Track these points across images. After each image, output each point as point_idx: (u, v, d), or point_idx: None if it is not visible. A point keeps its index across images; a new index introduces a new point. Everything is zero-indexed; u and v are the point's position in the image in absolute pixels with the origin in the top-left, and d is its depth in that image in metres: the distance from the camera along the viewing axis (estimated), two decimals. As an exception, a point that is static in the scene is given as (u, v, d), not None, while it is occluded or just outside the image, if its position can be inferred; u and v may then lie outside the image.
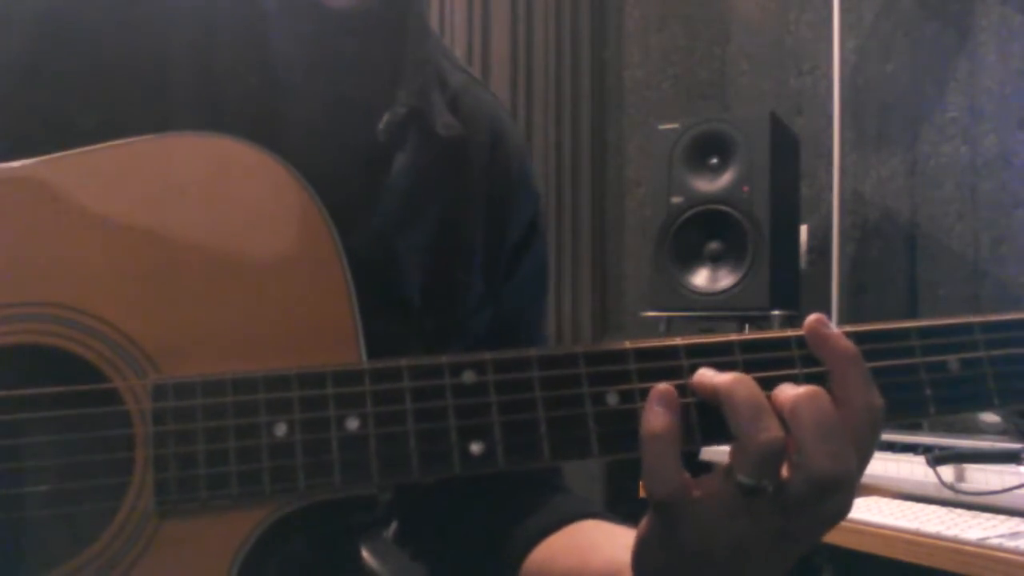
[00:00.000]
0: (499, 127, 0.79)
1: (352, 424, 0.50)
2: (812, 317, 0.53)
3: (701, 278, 2.19)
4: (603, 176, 3.02)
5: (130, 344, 0.52)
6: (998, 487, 1.29)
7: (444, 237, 0.73)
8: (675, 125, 2.25)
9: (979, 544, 1.16)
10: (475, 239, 0.75)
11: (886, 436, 1.59)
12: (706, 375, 0.51)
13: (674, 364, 0.52)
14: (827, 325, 0.52)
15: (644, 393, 0.51)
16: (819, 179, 2.46)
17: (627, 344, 0.52)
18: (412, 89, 0.71)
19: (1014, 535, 1.17)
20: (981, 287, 2.11)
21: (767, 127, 2.14)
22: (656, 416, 0.50)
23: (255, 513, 0.50)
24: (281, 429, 0.50)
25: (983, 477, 1.32)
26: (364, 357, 0.53)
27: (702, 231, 2.18)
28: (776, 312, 2.08)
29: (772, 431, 0.48)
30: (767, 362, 0.52)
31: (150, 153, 0.56)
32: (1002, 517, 1.27)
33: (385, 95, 0.70)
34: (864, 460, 0.51)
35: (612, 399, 0.51)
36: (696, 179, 2.20)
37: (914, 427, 1.79)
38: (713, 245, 2.19)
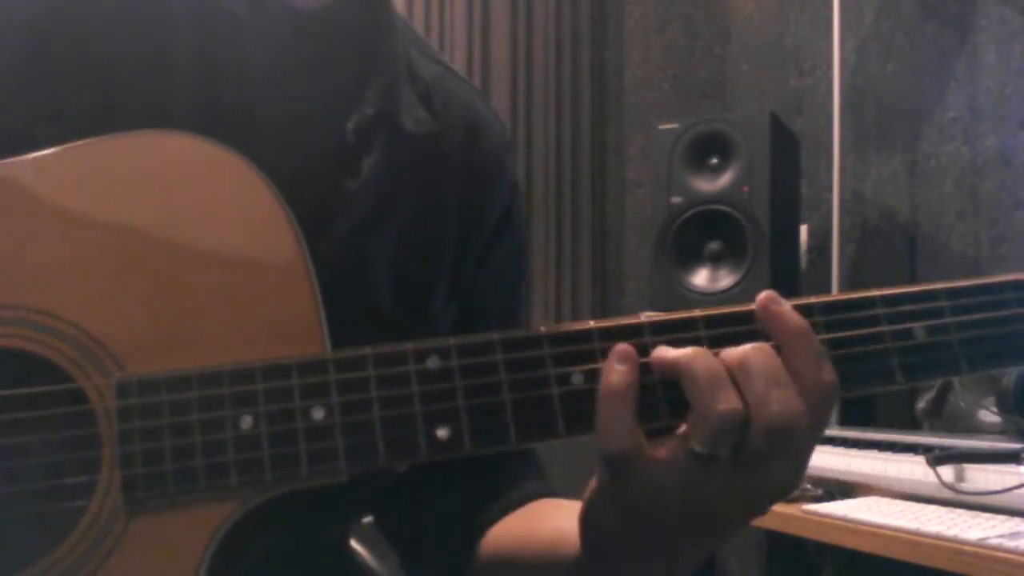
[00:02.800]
0: (475, 118, 0.79)
1: (317, 414, 0.50)
2: (763, 294, 0.53)
3: (701, 278, 2.19)
4: (603, 176, 3.01)
5: (95, 344, 0.52)
6: (998, 487, 1.29)
7: (414, 237, 0.73)
8: (675, 125, 2.25)
9: (979, 544, 1.15)
10: (446, 236, 0.75)
11: (886, 436, 1.59)
12: (663, 350, 0.52)
13: (638, 342, 0.52)
14: (777, 301, 0.52)
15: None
16: (819, 179, 2.46)
17: (591, 323, 0.52)
18: (379, 89, 0.70)
19: (1014, 535, 1.17)
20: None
21: (767, 127, 2.14)
22: (614, 373, 0.50)
23: (224, 507, 0.50)
24: (247, 422, 0.50)
25: (983, 477, 1.32)
26: (329, 350, 0.53)
27: (702, 231, 2.18)
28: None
29: (730, 402, 0.49)
30: (731, 337, 0.52)
31: (112, 152, 0.57)
32: (1002, 517, 1.27)
33: (354, 96, 0.70)
34: (814, 432, 0.51)
35: (577, 379, 0.51)
36: (696, 179, 2.20)
37: (914, 427, 1.79)
38: (713, 245, 2.19)
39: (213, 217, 0.56)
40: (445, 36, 2.94)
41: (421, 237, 0.73)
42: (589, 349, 0.51)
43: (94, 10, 0.66)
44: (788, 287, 2.23)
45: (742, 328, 0.52)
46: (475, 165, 0.77)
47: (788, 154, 2.31)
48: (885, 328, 0.52)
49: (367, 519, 0.89)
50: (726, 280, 2.15)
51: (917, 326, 0.53)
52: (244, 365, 0.51)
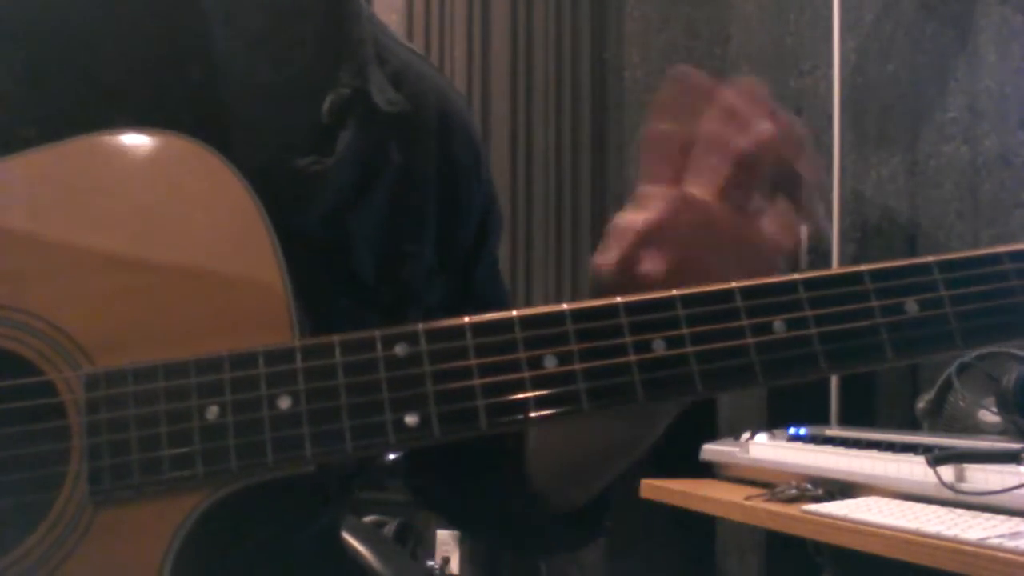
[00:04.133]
0: (446, 106, 0.80)
1: (284, 403, 0.50)
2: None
3: (701, 278, 2.19)
4: (603, 176, 3.01)
5: (65, 338, 0.53)
6: (998, 487, 1.29)
7: (395, 211, 0.74)
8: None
9: (979, 544, 1.15)
10: (427, 212, 0.76)
11: (886, 436, 1.59)
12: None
13: (614, 323, 0.51)
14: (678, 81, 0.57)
15: (583, 354, 0.50)
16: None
17: (564, 306, 0.51)
18: (352, 69, 0.71)
19: (1014, 535, 1.17)
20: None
21: (767, 127, 2.13)
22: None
23: (191, 497, 0.50)
24: (213, 412, 0.50)
25: (983, 477, 1.32)
26: (298, 338, 0.53)
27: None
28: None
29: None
30: (709, 316, 0.51)
31: (81, 151, 0.57)
32: (1002, 517, 1.27)
33: (327, 77, 0.71)
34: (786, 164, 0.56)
35: (550, 362, 0.50)
36: (696, 179, 2.19)
37: (914, 427, 1.80)
38: (713, 245, 2.19)
39: (182, 210, 0.56)
40: (445, 36, 2.94)
41: (401, 211, 0.74)
42: (562, 332, 0.50)
43: (59, 5, 0.67)
44: (788, 287, 2.23)
45: (719, 307, 0.52)
46: (450, 151, 0.78)
47: (788, 154, 2.31)
48: (874, 303, 0.51)
49: (370, 518, 0.89)
50: (726, 280, 2.15)
51: (909, 300, 0.51)
52: (211, 355, 0.51)
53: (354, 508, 1.40)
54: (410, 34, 2.92)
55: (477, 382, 0.49)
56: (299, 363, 0.50)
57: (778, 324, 0.50)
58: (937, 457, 1.37)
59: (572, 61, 2.97)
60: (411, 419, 0.49)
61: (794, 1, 2.63)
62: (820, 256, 2.43)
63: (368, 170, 0.72)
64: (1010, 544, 1.14)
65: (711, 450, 1.84)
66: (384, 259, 0.72)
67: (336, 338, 0.51)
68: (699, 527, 2.35)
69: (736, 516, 1.69)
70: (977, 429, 1.63)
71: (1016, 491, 1.26)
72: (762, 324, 0.50)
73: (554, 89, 2.94)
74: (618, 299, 0.51)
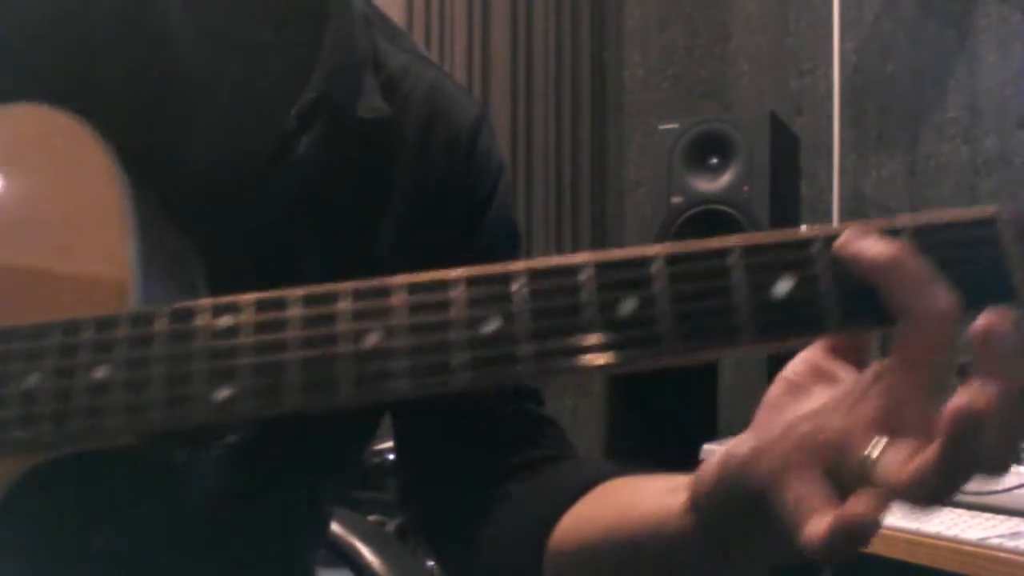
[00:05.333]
0: (438, 105, 0.77)
1: (101, 371, 0.49)
2: (847, 233, 0.44)
3: (701, 278, 2.19)
4: (603, 176, 3.01)
5: None
6: (998, 487, 1.29)
7: (359, 218, 0.72)
8: (675, 125, 2.25)
9: (979, 544, 1.15)
10: (390, 222, 0.74)
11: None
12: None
13: (446, 297, 0.46)
14: (856, 240, 0.44)
15: (405, 330, 0.46)
16: (819, 179, 2.46)
17: (399, 279, 0.47)
18: (323, 73, 0.71)
19: (1014, 535, 1.17)
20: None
21: (767, 127, 2.14)
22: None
23: (11, 462, 0.50)
24: (34, 378, 0.49)
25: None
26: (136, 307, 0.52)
27: (702, 231, 2.18)
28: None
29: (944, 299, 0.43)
30: (545, 294, 0.46)
31: None
32: (1002, 517, 1.27)
33: (301, 81, 0.70)
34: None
35: (372, 339, 0.46)
36: (696, 179, 2.20)
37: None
38: (713, 245, 2.19)
39: (43, 180, 0.57)
40: (445, 36, 2.94)
41: (363, 220, 0.73)
42: (387, 306, 0.47)
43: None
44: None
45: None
46: (435, 150, 0.76)
47: (788, 154, 2.31)
48: (740, 280, 0.45)
49: (371, 518, 0.88)
50: (726, 280, 2.15)
51: (781, 279, 0.45)
52: (42, 323, 0.51)
53: (354, 507, 1.39)
54: (410, 34, 2.92)
55: (294, 356, 0.46)
56: (123, 331, 0.49)
57: (630, 302, 0.45)
58: (937, 457, 1.37)
59: (572, 61, 2.97)
60: (223, 393, 0.47)
61: (794, 1, 2.63)
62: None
63: (328, 176, 0.71)
64: (1010, 544, 1.14)
65: (711, 450, 1.84)
66: (338, 271, 0.72)
67: (167, 307, 0.49)
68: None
69: (736, 516, 1.69)
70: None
71: (1016, 491, 1.27)
72: (612, 299, 0.45)
73: (554, 89, 2.94)
74: (452, 273, 0.47)
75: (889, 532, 1.30)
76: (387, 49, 0.77)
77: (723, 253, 0.45)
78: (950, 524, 1.25)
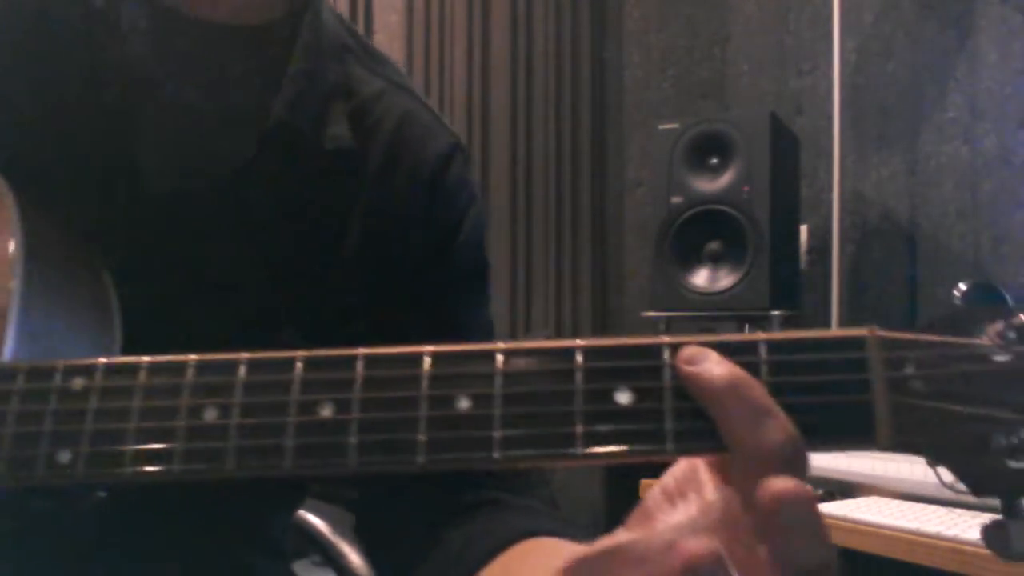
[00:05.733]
0: (406, 134, 0.77)
1: None
2: (682, 353, 0.42)
3: (701, 278, 2.19)
4: (603, 176, 3.02)
5: None
6: (998, 487, 1.29)
7: (317, 247, 0.72)
8: (675, 125, 2.25)
9: (979, 544, 1.15)
10: (347, 252, 0.73)
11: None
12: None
13: (286, 378, 0.46)
14: (693, 361, 0.41)
15: (246, 409, 0.46)
16: (819, 179, 2.46)
17: (243, 355, 0.47)
18: (284, 101, 0.70)
19: (1014, 535, 1.17)
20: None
21: (767, 127, 2.14)
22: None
23: None
24: None
25: (983, 477, 1.32)
26: (5, 358, 0.52)
27: (702, 231, 2.18)
28: (776, 312, 2.09)
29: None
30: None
31: None
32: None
33: (265, 108, 0.70)
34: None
35: (210, 414, 0.46)
36: (696, 179, 2.20)
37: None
38: (713, 245, 2.19)
39: None
40: (445, 36, 2.94)
41: (322, 252, 0.72)
42: (230, 382, 0.46)
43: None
44: (788, 287, 2.23)
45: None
46: (396, 179, 0.75)
47: (788, 154, 2.31)
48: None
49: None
50: (726, 280, 2.15)
51: (622, 387, 0.42)
52: None
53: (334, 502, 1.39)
54: (410, 34, 2.92)
55: (132, 425, 0.47)
56: None
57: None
58: (937, 457, 1.37)
59: (572, 61, 2.97)
60: (64, 456, 0.47)
61: (794, 1, 2.63)
62: (820, 256, 2.43)
63: (286, 204, 0.71)
64: (1010, 544, 1.14)
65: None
66: (293, 300, 0.71)
67: (23, 364, 0.49)
68: (699, 527, 2.35)
69: (736, 516, 1.69)
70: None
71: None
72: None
73: (554, 89, 2.94)
74: (299, 353, 0.46)
75: (889, 532, 1.30)
76: (361, 76, 0.77)
77: (566, 354, 0.43)
78: (950, 524, 1.25)
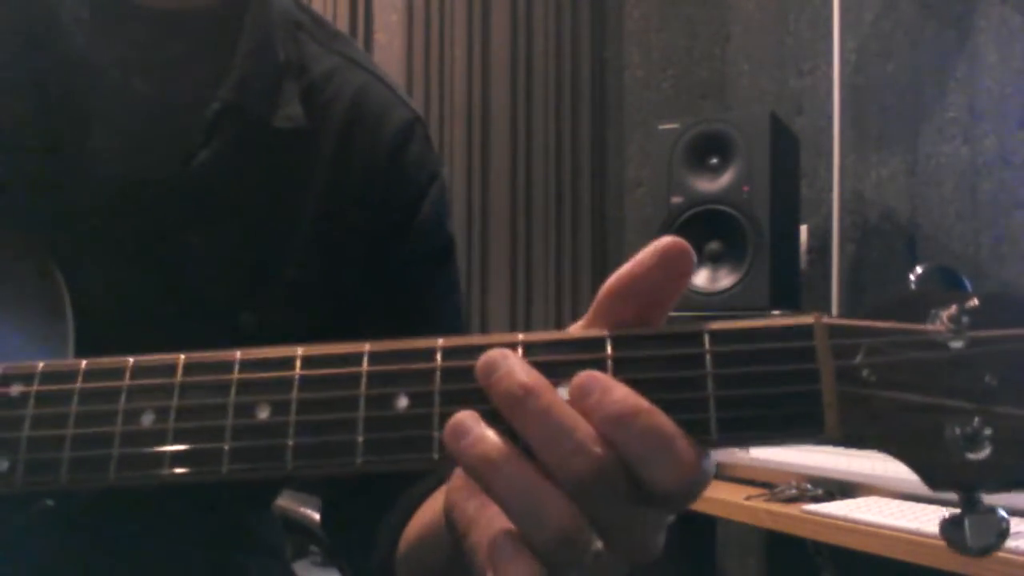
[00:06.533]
0: (363, 111, 0.76)
1: None
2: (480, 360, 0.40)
3: (701, 278, 2.19)
4: (603, 176, 3.01)
5: None
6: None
7: (272, 231, 0.71)
8: (675, 125, 2.25)
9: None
10: (302, 231, 0.73)
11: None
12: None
13: (224, 379, 0.44)
14: (491, 368, 0.40)
15: (183, 412, 0.44)
16: (819, 179, 2.46)
17: (181, 357, 0.46)
18: (231, 84, 0.70)
19: (1014, 535, 1.17)
20: (981, 287, 2.11)
21: (767, 127, 2.14)
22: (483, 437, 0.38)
23: None
24: None
25: (983, 477, 1.32)
26: None
27: (702, 231, 2.18)
28: (776, 312, 2.09)
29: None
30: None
31: None
32: (1002, 517, 1.27)
33: (210, 92, 0.70)
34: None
35: (147, 419, 0.45)
36: (696, 179, 2.20)
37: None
38: (713, 245, 2.19)
39: None
40: (445, 36, 2.94)
41: (277, 235, 0.72)
42: (168, 384, 0.45)
43: None
44: (788, 287, 2.23)
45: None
46: (353, 157, 0.74)
47: (788, 154, 2.31)
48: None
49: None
50: (726, 280, 2.15)
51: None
52: None
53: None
54: (410, 34, 2.92)
55: (69, 432, 0.45)
56: None
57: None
58: (937, 457, 1.37)
59: (572, 61, 2.97)
60: (2, 464, 0.46)
61: (794, 1, 2.63)
62: (820, 256, 2.43)
63: (237, 188, 0.70)
64: (1010, 544, 1.14)
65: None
66: (248, 284, 0.70)
67: None
68: (699, 527, 2.36)
69: (736, 516, 1.70)
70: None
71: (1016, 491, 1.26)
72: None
73: (554, 89, 2.94)
74: (237, 354, 0.45)
75: (889, 532, 1.30)
76: (315, 53, 0.76)
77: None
78: (950, 524, 1.25)
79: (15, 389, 0.47)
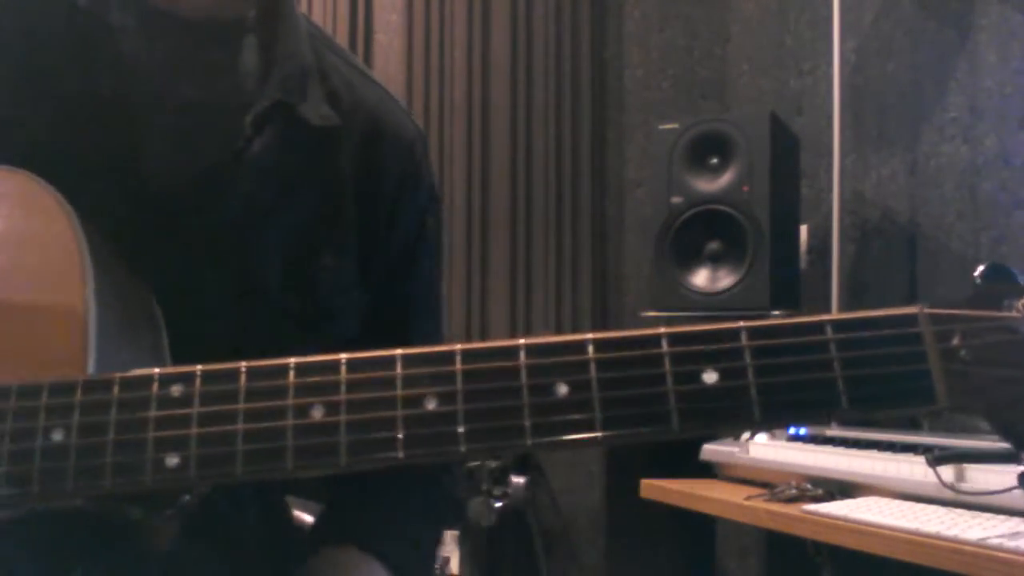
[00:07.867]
0: (379, 125, 0.82)
1: (57, 435, 0.50)
2: None
3: (701, 278, 2.19)
4: (603, 176, 3.01)
5: None
6: (998, 487, 1.29)
7: (312, 223, 0.77)
8: (675, 125, 2.25)
9: (979, 544, 1.15)
10: (347, 224, 0.79)
11: (886, 436, 1.59)
12: None
13: (388, 375, 0.49)
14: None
15: (352, 406, 0.48)
16: (819, 179, 2.46)
17: (342, 356, 0.50)
18: (277, 82, 0.75)
19: (1014, 535, 1.17)
20: (981, 287, 2.10)
21: (767, 127, 2.14)
22: None
23: None
24: None
25: (983, 477, 1.32)
26: (90, 373, 0.54)
27: (702, 231, 2.18)
28: (776, 312, 2.08)
29: None
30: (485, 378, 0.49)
31: None
32: (1002, 517, 1.27)
33: (254, 92, 0.75)
34: None
35: (317, 412, 0.49)
36: (696, 179, 2.20)
37: (914, 427, 1.79)
38: (713, 245, 2.19)
39: (14, 251, 0.59)
40: (445, 36, 2.94)
41: (320, 223, 0.77)
42: (334, 381, 0.49)
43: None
44: (788, 287, 2.23)
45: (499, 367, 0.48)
46: (375, 167, 0.81)
47: (788, 154, 2.31)
48: (668, 370, 0.47)
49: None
50: (726, 280, 2.15)
51: (708, 368, 0.47)
52: (1, 384, 0.52)
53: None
54: (410, 34, 2.92)
55: (240, 427, 0.49)
56: (78, 396, 0.51)
57: (562, 387, 0.47)
58: (937, 457, 1.37)
59: (572, 61, 2.97)
60: (172, 460, 0.49)
61: (794, 1, 2.63)
62: (820, 256, 2.43)
63: (286, 178, 0.75)
64: (1010, 544, 1.14)
65: (711, 450, 1.84)
66: (294, 269, 0.75)
67: (118, 375, 0.51)
68: (699, 527, 2.35)
69: (736, 516, 1.69)
70: (977, 429, 1.63)
71: (1016, 491, 1.26)
72: (545, 385, 0.48)
73: (554, 89, 2.94)
74: (397, 351, 0.49)
75: (889, 532, 1.30)
76: (333, 63, 0.82)
77: (653, 341, 0.47)
78: (950, 524, 1.25)
79: (176, 389, 0.50)
